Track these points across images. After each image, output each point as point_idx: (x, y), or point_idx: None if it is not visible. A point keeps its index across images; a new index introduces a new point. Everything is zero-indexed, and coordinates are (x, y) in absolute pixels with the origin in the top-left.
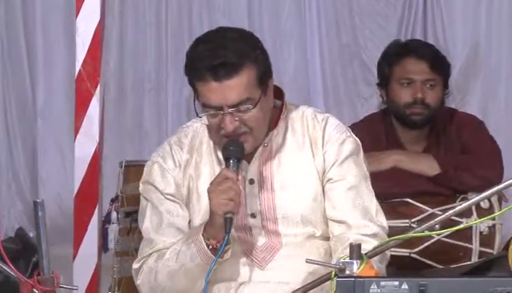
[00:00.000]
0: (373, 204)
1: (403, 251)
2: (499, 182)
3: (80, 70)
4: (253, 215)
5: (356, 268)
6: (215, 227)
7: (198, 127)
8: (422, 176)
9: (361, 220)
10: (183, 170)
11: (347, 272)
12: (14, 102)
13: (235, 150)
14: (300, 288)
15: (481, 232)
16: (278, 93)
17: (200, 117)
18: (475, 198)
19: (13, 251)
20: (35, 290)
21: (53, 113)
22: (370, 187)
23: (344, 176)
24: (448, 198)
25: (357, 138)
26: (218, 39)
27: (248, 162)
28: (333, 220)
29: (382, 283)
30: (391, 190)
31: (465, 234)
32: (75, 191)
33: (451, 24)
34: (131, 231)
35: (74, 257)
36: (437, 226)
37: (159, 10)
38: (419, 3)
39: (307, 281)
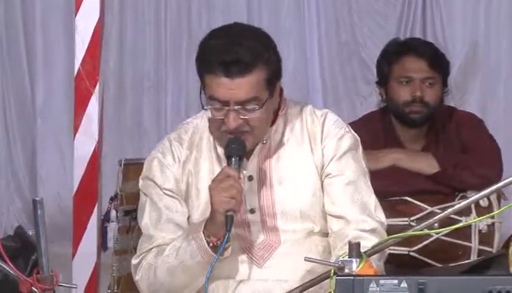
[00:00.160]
0: (371, 199)
1: (402, 250)
2: (498, 180)
3: (79, 69)
4: (252, 211)
5: (355, 266)
6: (216, 225)
7: (198, 124)
8: (421, 175)
9: (360, 215)
10: (182, 165)
11: (346, 270)
12: (14, 101)
13: (237, 148)
14: (299, 286)
15: (480, 231)
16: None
17: (205, 109)
18: (474, 197)
19: (12, 250)
20: (34, 288)
21: (53, 112)
22: (369, 183)
23: (343, 171)
24: (447, 196)
25: (356, 134)
26: (234, 35)
27: (247, 159)
28: (332, 215)
29: (381, 281)
30: (390, 189)
31: (465, 233)
32: (75, 189)
33: (450, 23)
34: (131, 230)
35: (73, 255)
36: (436, 224)
37: (158, 9)
38: (418, 2)
39: (305, 279)
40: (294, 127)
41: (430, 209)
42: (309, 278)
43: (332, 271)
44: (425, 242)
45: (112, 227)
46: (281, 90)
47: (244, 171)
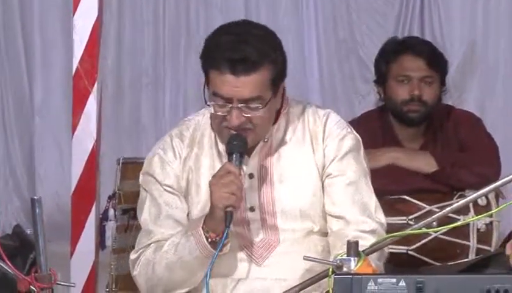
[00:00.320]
0: (372, 200)
1: (400, 248)
2: (496, 179)
3: (77, 67)
4: (252, 209)
5: (353, 265)
6: (215, 220)
7: (200, 121)
8: (419, 173)
9: (360, 216)
10: (183, 162)
11: (345, 269)
12: (12, 100)
13: (238, 145)
14: (297, 285)
15: (478, 229)
16: None
17: (208, 105)
18: (472, 195)
19: (11, 248)
20: (32, 287)
21: (51, 110)
22: (370, 183)
23: (344, 171)
24: (445, 195)
25: (357, 135)
26: (242, 32)
27: (249, 156)
28: (332, 216)
29: (379, 280)
30: (388, 187)
31: (463, 231)
32: (73, 188)
33: (448, 22)
34: (129, 228)
35: (72, 254)
36: (434, 223)
37: (156, 7)
38: (416, 0)
39: (304, 278)
40: (296, 126)
41: (428, 207)
42: (308, 277)
43: (330, 270)
44: (423, 241)
45: (110, 226)
46: (284, 89)
47: (245, 168)
